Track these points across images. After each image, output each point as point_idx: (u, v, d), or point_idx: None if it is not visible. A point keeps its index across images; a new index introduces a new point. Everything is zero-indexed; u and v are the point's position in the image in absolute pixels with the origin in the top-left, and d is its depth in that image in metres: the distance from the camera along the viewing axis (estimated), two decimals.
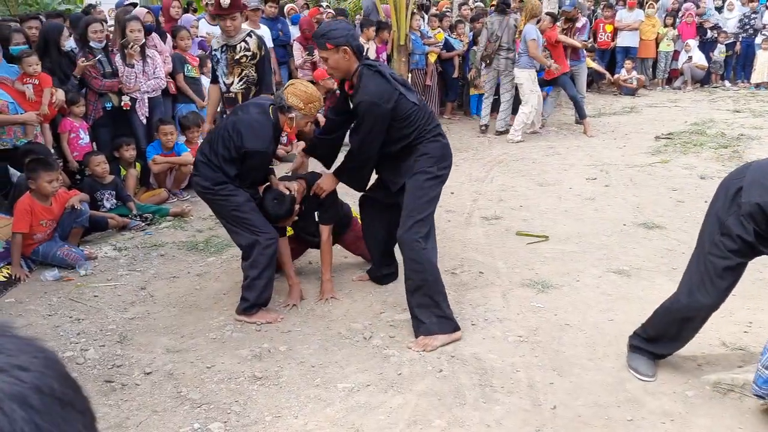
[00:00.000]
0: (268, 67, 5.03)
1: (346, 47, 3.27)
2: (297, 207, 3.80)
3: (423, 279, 3.34)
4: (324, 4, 12.25)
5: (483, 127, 9.12)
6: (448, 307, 3.40)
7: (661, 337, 2.91)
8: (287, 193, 3.75)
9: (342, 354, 3.27)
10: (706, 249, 2.68)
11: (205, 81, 6.40)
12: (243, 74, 4.68)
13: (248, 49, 4.65)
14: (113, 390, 3.00)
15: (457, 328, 3.37)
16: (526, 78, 8.31)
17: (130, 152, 5.83)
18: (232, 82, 4.76)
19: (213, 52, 4.87)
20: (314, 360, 3.21)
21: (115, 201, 5.48)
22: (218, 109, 5.30)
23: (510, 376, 3.01)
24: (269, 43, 8.17)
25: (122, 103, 5.95)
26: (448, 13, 11.24)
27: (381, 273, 4.11)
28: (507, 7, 8.81)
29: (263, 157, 3.57)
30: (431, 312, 3.33)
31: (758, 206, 2.48)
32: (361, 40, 8.72)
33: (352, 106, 3.43)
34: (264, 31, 8.09)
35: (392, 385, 2.97)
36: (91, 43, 5.77)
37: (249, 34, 4.73)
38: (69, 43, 5.71)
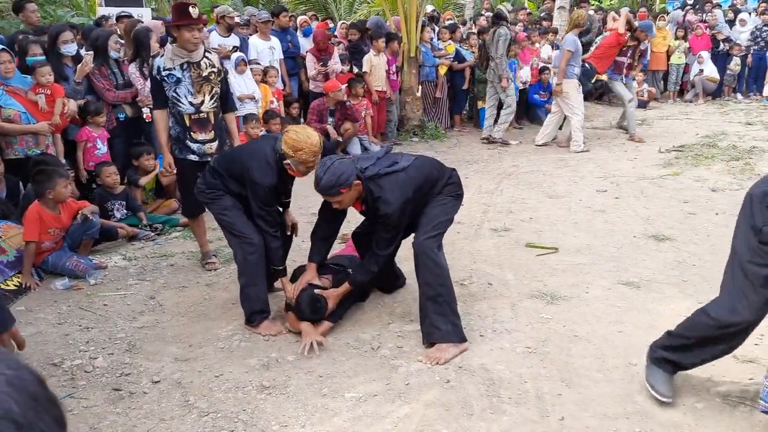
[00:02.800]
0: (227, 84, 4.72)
1: (356, 181, 3.29)
2: (331, 305, 3.62)
3: (442, 284, 3.35)
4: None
5: (484, 140, 9.26)
6: (459, 316, 3.41)
7: (691, 347, 2.72)
8: (322, 296, 3.59)
9: (350, 364, 3.27)
10: (745, 258, 2.49)
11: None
12: (213, 92, 4.36)
13: (213, 65, 4.37)
14: (121, 398, 3.00)
15: (464, 339, 3.37)
16: (570, 87, 8.35)
17: (150, 161, 5.85)
18: (202, 102, 4.32)
19: (164, 72, 4.24)
20: (322, 370, 3.21)
21: (125, 211, 5.52)
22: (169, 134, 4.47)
23: (518, 387, 2.99)
24: (279, 55, 8.25)
25: (144, 116, 6.01)
26: (460, 27, 11.30)
27: (388, 285, 4.12)
28: (499, 19, 8.97)
29: (263, 190, 3.56)
30: (448, 319, 3.34)
31: None
32: (371, 52, 8.82)
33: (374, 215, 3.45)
34: (274, 43, 8.18)
35: (399, 395, 2.96)
36: (111, 53, 5.87)
37: (207, 51, 4.47)
38: (68, 48, 5.73)
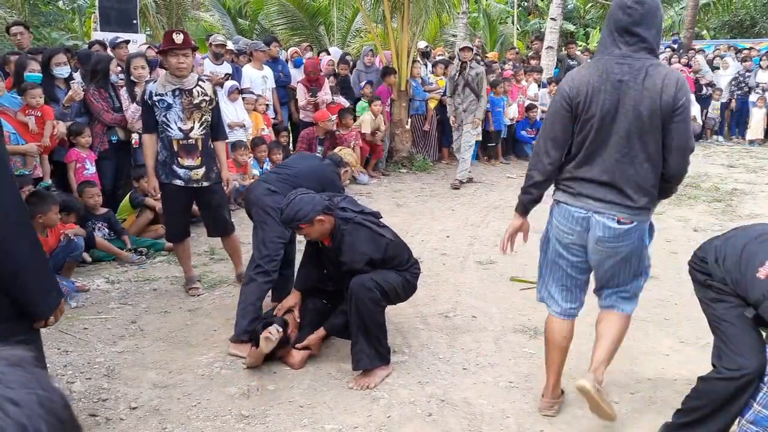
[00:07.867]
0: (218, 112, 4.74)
1: (319, 217, 3.32)
2: (291, 332, 3.62)
3: (373, 319, 3.33)
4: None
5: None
6: (387, 347, 3.47)
7: (707, 417, 2.60)
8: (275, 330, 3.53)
9: (331, 395, 3.24)
10: (718, 314, 2.60)
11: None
12: (203, 119, 4.41)
13: (206, 94, 4.42)
14: (97, 424, 2.95)
15: (389, 362, 3.44)
16: None
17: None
18: (192, 128, 4.38)
19: (155, 97, 4.32)
20: (303, 400, 3.18)
21: (107, 231, 5.49)
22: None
23: (500, 422, 2.98)
24: (271, 84, 8.34)
25: (133, 141, 6.03)
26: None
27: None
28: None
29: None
30: (373, 346, 3.35)
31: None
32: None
33: (337, 258, 3.45)
34: (267, 72, 8.27)
35: (380, 428, 2.93)
36: (112, 77, 5.93)
37: (200, 79, 4.52)
38: (60, 70, 5.76)
